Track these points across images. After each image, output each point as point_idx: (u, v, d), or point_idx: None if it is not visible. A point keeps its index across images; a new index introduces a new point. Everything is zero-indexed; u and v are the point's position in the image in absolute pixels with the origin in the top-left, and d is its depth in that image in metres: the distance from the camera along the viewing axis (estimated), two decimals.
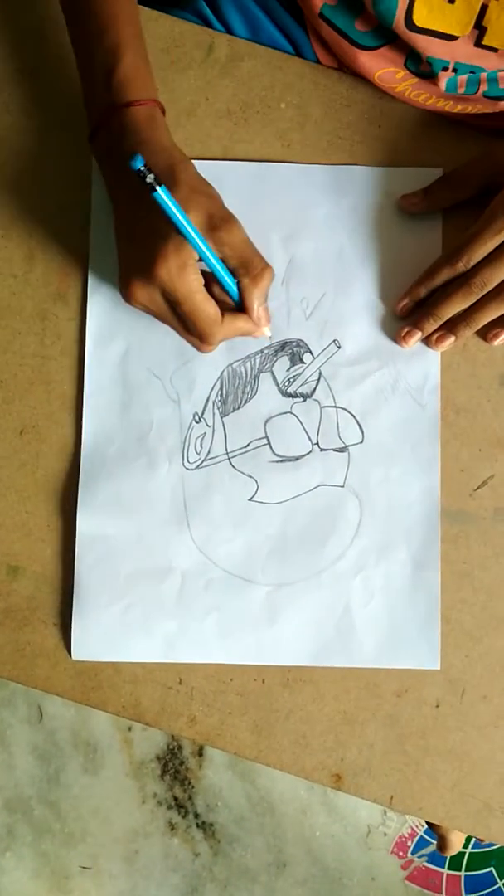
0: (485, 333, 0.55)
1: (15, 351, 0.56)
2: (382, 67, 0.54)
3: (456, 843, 0.71)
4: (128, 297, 0.49)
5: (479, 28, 0.49)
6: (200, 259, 0.47)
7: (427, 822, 0.73)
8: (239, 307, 0.50)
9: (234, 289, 0.49)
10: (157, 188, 0.44)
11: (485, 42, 0.50)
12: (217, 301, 0.49)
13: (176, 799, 1.17)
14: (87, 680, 0.54)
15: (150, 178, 0.43)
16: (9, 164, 0.57)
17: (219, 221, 0.47)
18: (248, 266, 0.48)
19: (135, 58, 0.51)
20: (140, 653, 0.53)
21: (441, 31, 0.50)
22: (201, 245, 0.46)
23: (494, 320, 0.54)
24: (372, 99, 0.57)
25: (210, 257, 0.47)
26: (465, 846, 1.14)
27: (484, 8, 0.48)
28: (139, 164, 0.43)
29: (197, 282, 0.47)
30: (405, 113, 0.57)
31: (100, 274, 0.56)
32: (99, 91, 0.50)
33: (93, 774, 1.17)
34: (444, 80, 0.53)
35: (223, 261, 0.48)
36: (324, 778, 0.53)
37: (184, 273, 0.46)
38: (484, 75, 0.53)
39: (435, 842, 0.97)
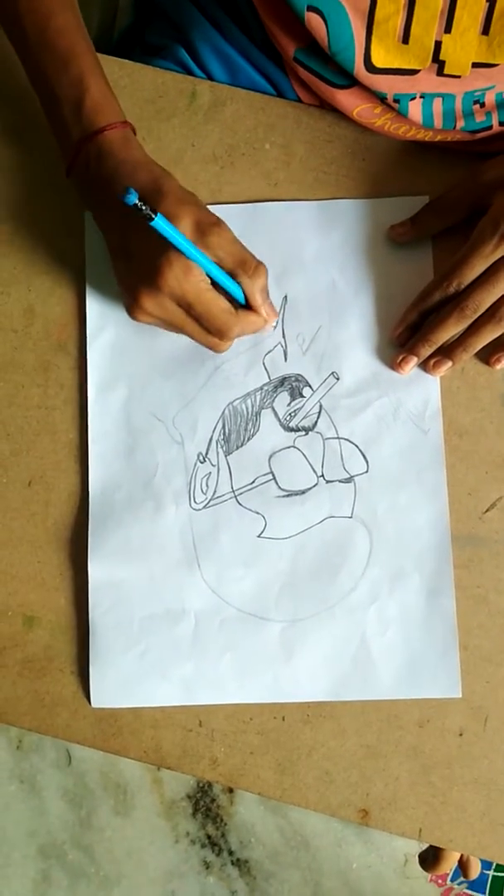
0: (487, 358, 0.55)
1: (20, 404, 0.57)
2: (360, 104, 0.55)
3: (475, 864, 0.69)
4: (137, 311, 0.50)
5: (438, 62, 0.50)
6: None
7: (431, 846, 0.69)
8: (244, 305, 0.51)
9: (238, 289, 0.50)
10: (155, 216, 0.45)
11: (446, 72, 0.51)
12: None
13: (209, 837, 1.15)
14: (107, 727, 0.54)
15: (145, 209, 0.44)
16: (4, 222, 0.58)
17: (207, 227, 0.48)
18: (244, 265, 0.49)
19: (99, 85, 0.52)
20: (158, 697, 0.53)
21: (402, 67, 0.51)
22: (202, 258, 0.48)
23: (495, 344, 0.54)
24: (354, 133, 0.58)
25: (210, 267, 0.48)
26: None
27: (438, 45, 0.49)
28: (133, 199, 0.44)
29: (204, 281, 0.48)
30: (387, 144, 0.58)
31: (98, 322, 0.56)
32: (70, 123, 0.52)
33: (124, 816, 1.16)
34: (416, 108, 0.53)
35: (219, 264, 0.49)
36: (350, 814, 0.52)
37: (190, 274, 0.47)
38: (459, 110, 0.54)
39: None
